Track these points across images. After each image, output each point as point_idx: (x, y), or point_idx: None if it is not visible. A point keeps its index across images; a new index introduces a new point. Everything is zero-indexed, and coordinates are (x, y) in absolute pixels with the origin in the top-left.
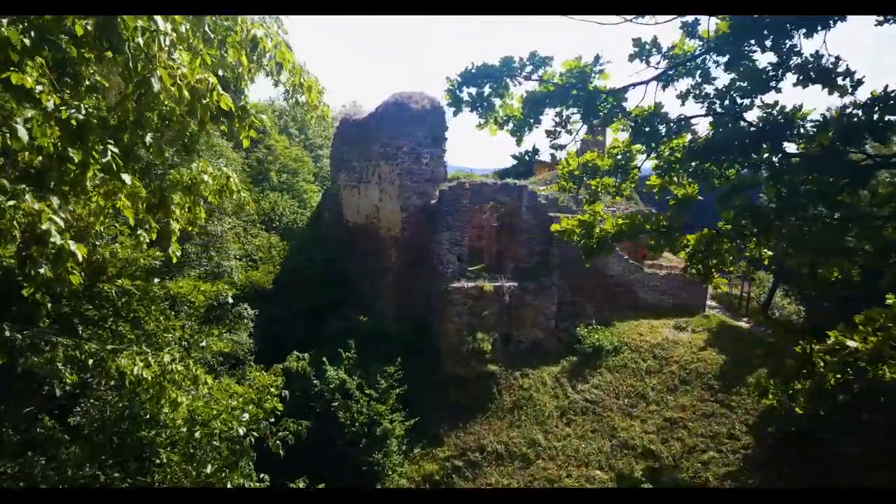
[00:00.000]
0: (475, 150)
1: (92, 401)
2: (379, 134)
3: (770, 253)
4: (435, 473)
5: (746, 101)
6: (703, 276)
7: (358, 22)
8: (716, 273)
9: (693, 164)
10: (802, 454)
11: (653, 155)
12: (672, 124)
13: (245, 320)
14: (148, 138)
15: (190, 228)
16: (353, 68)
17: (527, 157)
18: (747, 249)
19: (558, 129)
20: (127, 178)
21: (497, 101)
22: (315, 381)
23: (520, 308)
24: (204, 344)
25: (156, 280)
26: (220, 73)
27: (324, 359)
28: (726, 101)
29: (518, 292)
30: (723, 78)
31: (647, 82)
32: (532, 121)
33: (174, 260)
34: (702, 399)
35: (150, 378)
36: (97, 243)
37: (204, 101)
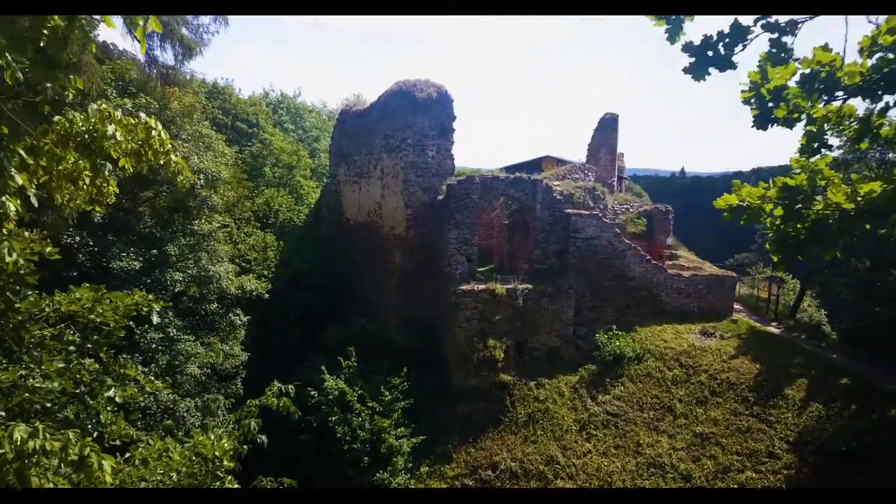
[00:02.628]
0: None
1: None
2: (381, 125)
3: None
4: None
5: None
6: None
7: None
8: None
9: None
10: (855, 477)
11: None
12: None
13: (238, 328)
14: None
15: (90, 209)
16: (354, 65)
17: (723, 46)
18: None
19: None
20: None
21: None
22: (312, 393)
23: (535, 312)
24: (112, 394)
25: (29, 293)
26: None
27: (322, 367)
28: None
29: (533, 295)
30: None
31: None
32: None
33: (9, 268)
34: (735, 412)
35: None
36: None
37: None
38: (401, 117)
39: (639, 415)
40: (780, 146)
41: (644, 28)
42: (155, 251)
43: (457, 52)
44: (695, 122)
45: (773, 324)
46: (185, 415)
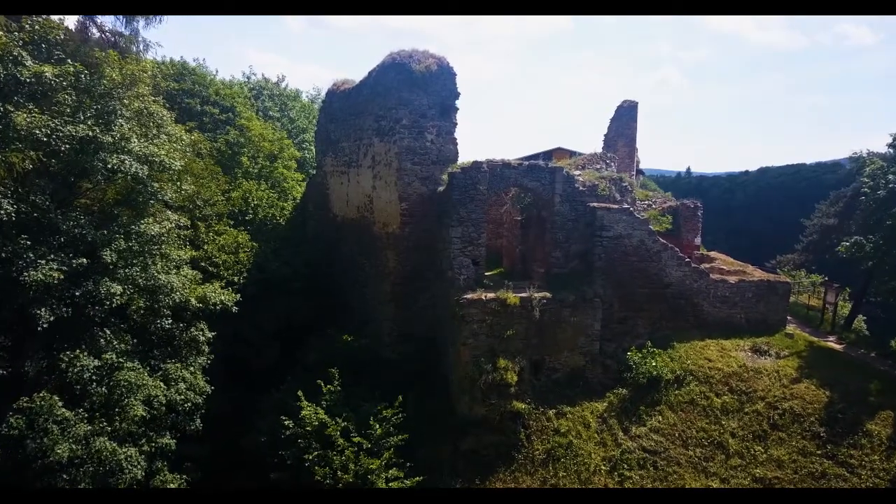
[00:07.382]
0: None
1: None
2: (372, 105)
3: None
4: None
5: None
6: None
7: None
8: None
9: None
10: None
11: None
12: None
13: (201, 346)
14: None
15: None
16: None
17: None
18: None
19: None
20: None
21: None
22: (286, 422)
23: (554, 326)
24: None
25: None
26: None
27: (298, 392)
28: None
29: (552, 306)
30: None
31: None
32: None
33: None
34: (804, 452)
35: None
36: None
37: None
38: (394, 94)
39: (682, 452)
40: (782, 147)
41: (647, 27)
42: (84, 260)
43: (460, 47)
44: (699, 122)
45: (832, 338)
46: (123, 464)
